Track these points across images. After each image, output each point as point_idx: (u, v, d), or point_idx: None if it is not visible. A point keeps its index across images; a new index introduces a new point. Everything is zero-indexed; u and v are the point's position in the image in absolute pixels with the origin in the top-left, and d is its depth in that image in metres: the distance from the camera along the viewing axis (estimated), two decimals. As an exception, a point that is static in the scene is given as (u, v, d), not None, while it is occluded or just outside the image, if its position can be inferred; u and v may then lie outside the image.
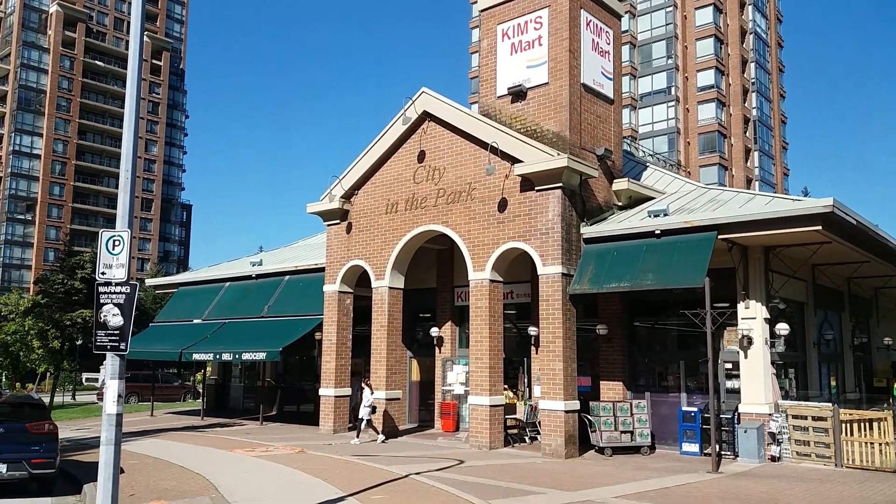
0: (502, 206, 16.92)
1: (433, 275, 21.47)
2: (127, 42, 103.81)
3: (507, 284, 17.97)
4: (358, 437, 17.91)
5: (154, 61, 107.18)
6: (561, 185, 15.95)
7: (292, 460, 14.06)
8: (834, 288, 20.89)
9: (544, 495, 10.67)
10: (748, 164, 72.96)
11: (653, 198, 18.59)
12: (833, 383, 20.18)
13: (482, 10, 19.04)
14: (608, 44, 18.67)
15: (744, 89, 75.24)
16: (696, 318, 14.61)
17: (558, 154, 16.02)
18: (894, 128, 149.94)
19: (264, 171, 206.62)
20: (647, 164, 23.06)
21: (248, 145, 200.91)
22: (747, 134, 74.55)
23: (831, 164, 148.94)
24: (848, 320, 21.63)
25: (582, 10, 17.71)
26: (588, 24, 17.91)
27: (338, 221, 20.52)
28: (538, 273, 16.20)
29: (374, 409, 18.15)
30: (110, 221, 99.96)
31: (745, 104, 75.24)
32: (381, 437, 17.89)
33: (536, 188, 16.33)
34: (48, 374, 48.16)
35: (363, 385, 18.35)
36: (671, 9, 71.71)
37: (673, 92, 70.91)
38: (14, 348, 42.12)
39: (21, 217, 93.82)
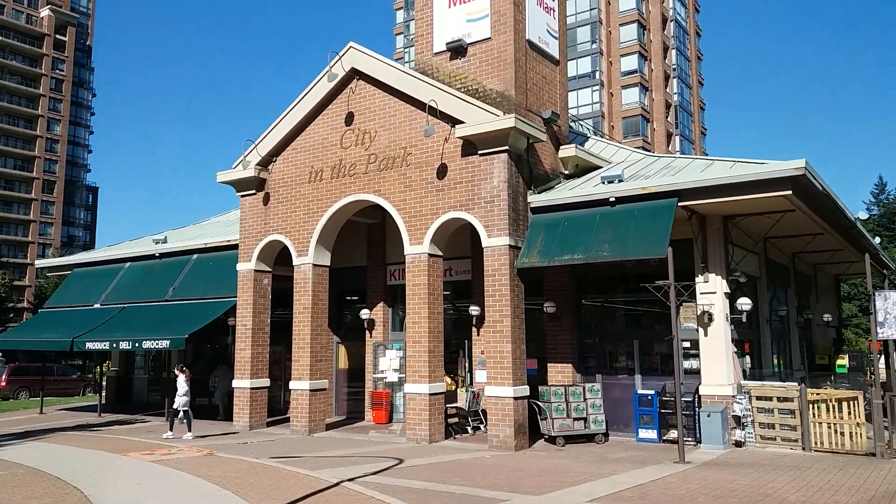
0: (441, 172, 15.11)
1: (362, 252, 19.50)
2: (28, 15, 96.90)
3: (446, 261, 16.20)
4: (171, 430, 16.08)
5: (58, 36, 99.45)
6: (507, 148, 14.27)
7: (199, 465, 11.87)
8: (782, 263, 20.19)
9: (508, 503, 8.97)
10: (670, 148, 73.76)
11: (600, 167, 17.18)
12: (778, 361, 19.47)
13: (417, -44, 17.05)
14: (553, 0, 17.09)
15: (665, 75, 76.00)
16: (659, 292, 13.25)
17: (504, 114, 14.32)
18: (802, 115, 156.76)
19: (179, 152, 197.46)
20: (588, 135, 21.74)
21: (161, 125, 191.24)
22: (669, 119, 75.42)
23: (746, 150, 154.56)
24: (793, 297, 21.01)
25: (527, -42, 16.00)
26: (534, -26, 16.24)
27: (253, 192, 18.21)
28: (483, 246, 14.49)
29: (190, 399, 16.30)
30: (7, 204, 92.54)
31: (667, 90, 76.06)
32: (190, 434, 15.76)
33: (480, 152, 14.59)
34: None
35: (177, 371, 16.41)
36: (596, -7, 71.41)
37: (597, 76, 70.73)
38: None
39: None
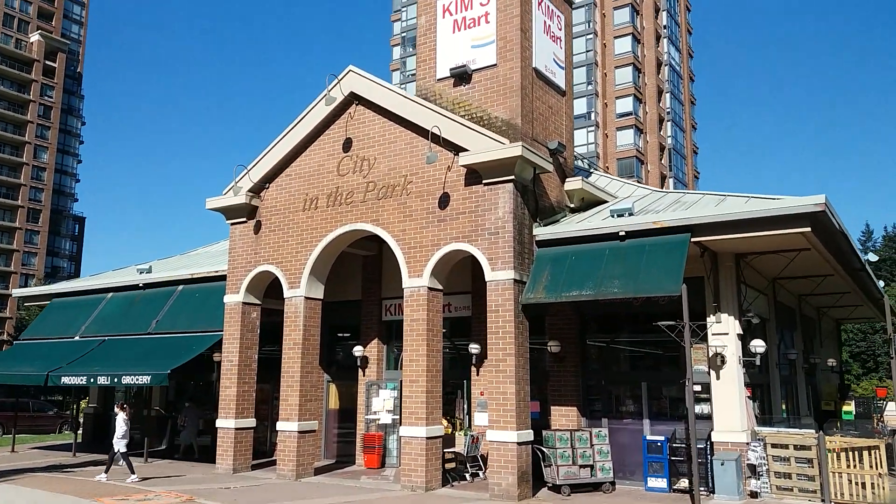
0: (444, 201, 14.47)
1: (357, 285, 18.71)
2: (18, 40, 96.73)
3: (445, 296, 15.43)
4: (107, 472, 15.23)
5: (48, 62, 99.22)
6: (513, 178, 13.66)
7: (177, 513, 10.90)
8: (789, 305, 19.59)
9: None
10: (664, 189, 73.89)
11: (606, 201, 16.62)
12: (786, 407, 18.72)
13: (419, -16, 16.68)
14: (560, 29, 16.72)
15: (660, 118, 76.61)
16: (672, 332, 12.54)
17: (510, 143, 13.76)
18: (788, 160, 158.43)
19: (170, 183, 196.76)
20: (591, 170, 21.27)
21: (152, 155, 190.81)
22: (663, 161, 75.77)
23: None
24: (799, 340, 20.36)
25: (533, -13, 15.65)
26: (539, 4, 15.88)
27: (244, 219, 17.47)
28: (486, 279, 13.77)
29: (130, 440, 15.71)
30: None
31: (661, 132, 76.56)
32: (135, 476, 15.00)
33: (484, 181, 13.98)
34: None
35: (117, 409, 15.81)
36: (591, 36, 72.25)
37: (592, 117, 71.13)
38: None
39: None
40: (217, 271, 18.81)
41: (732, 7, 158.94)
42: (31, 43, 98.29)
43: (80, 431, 23.01)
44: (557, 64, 16.36)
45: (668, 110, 78.17)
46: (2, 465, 17.84)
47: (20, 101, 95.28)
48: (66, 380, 18.25)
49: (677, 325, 12.48)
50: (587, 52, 71.35)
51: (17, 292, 25.83)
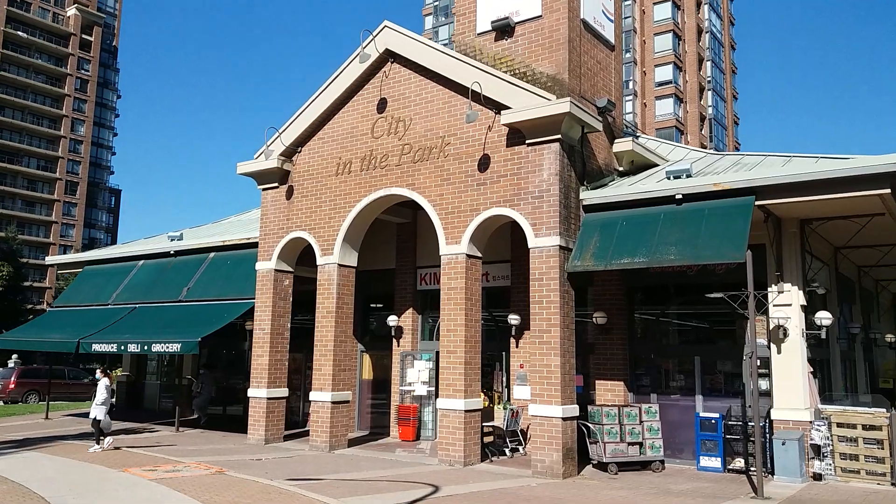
0: (484, 164, 13.61)
1: (391, 253, 18.03)
2: (55, 14, 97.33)
3: (483, 265, 14.64)
4: (98, 443, 14.54)
5: (84, 36, 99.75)
6: (559, 137, 12.74)
7: (205, 487, 10.40)
8: (849, 277, 18.40)
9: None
10: (703, 161, 71.82)
11: (657, 164, 15.61)
12: (845, 384, 17.65)
13: (459, -67, 15.65)
14: (609, -22, 15.58)
15: (700, 87, 74.21)
16: (735, 302, 11.61)
17: (557, 99, 12.81)
18: (831, 132, 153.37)
19: (203, 153, 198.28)
20: (637, 133, 20.15)
21: (186, 125, 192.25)
22: (703, 132, 73.48)
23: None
24: (858, 314, 19.18)
25: (582, -67, 14.51)
26: (588, -49, 14.76)
27: (276, 185, 16.84)
28: (529, 246, 12.93)
29: (112, 407, 15.10)
30: (29, 204, 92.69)
31: (702, 102, 74.20)
32: (98, 447, 14.39)
33: (528, 141, 13.08)
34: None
35: (99, 374, 15.21)
36: (629, 2, 69.92)
37: (631, 86, 69.13)
38: None
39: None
40: (249, 238, 18.27)
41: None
42: (68, 17, 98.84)
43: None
44: (606, 16, 15.27)
45: (709, 79, 75.68)
46: (35, 431, 17.70)
47: (58, 75, 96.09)
48: (96, 347, 17.98)
49: (741, 294, 11.53)
50: (625, 18, 69.07)
51: (50, 259, 25.73)
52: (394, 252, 18.00)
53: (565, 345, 12.49)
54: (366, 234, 16.01)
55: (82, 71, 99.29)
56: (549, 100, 12.77)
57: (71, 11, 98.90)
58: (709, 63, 76.14)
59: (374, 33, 15.20)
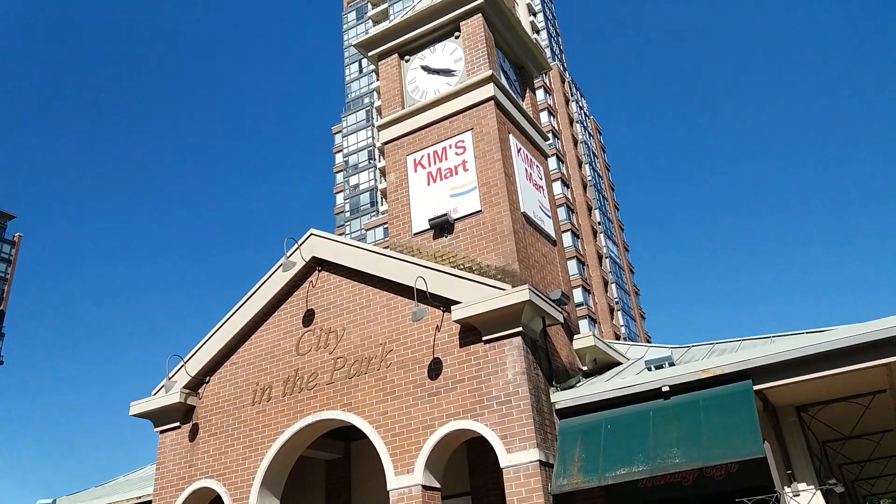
0: (435, 369, 11.57)
1: (320, 499, 14.82)
2: None
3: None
4: None
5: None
6: (521, 330, 11.06)
7: None
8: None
9: None
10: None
11: (620, 363, 14.05)
12: None
13: (386, 143, 15.12)
14: (541, 179, 15.23)
15: (604, 280, 77.63)
16: (765, 509, 9.42)
17: (512, 287, 11.34)
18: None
19: (87, 404, 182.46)
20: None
21: (64, 379, 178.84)
22: (613, 321, 75.61)
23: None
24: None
25: (510, 136, 14.28)
26: (519, 152, 14.45)
27: (177, 424, 13.87)
28: (502, 465, 10.50)
29: None
30: None
31: (613, 322, 76.56)
32: None
33: (485, 338, 11.29)
34: None
35: None
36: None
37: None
38: None
39: None
40: (139, 497, 14.69)
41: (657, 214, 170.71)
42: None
43: None
44: (544, 212, 14.58)
45: (617, 300, 79.30)
46: None
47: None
48: None
49: (768, 499, 9.41)
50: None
51: None
52: (323, 497, 14.82)
53: (565, 593, 9.62)
54: (288, 480, 13.04)
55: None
56: (503, 290, 11.26)
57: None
58: (613, 285, 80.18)
59: (299, 242, 13.70)
